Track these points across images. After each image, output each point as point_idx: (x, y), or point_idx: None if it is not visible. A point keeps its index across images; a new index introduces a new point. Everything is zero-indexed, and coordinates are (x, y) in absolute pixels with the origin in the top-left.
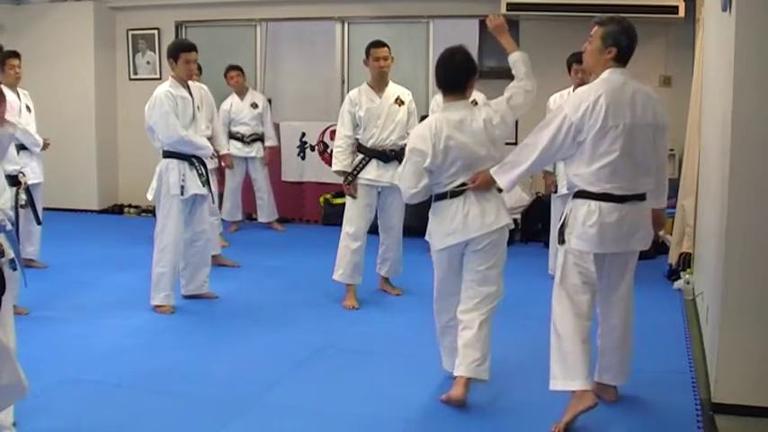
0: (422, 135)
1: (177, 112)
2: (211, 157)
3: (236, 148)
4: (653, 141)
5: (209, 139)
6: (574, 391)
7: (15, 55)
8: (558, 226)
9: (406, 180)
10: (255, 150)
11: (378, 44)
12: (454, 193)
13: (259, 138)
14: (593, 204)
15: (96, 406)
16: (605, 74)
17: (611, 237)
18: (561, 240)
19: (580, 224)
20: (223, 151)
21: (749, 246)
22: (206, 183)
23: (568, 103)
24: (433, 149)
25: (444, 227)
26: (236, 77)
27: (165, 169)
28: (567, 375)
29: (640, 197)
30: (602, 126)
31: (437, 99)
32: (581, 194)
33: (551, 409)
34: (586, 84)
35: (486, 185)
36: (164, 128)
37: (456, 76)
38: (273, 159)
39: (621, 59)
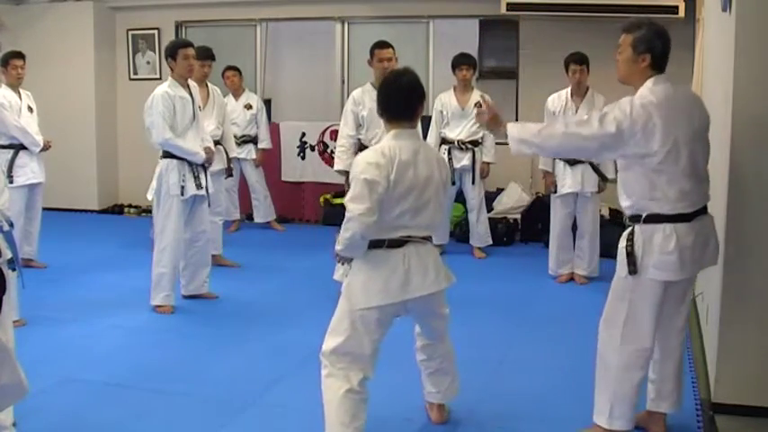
0: (375, 162)
1: (174, 113)
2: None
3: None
4: (707, 145)
5: (219, 140)
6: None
7: (19, 55)
8: (626, 254)
9: (358, 201)
10: (246, 152)
11: (382, 45)
12: (393, 243)
13: (251, 140)
14: (668, 228)
15: (96, 406)
16: (649, 84)
17: (689, 260)
18: (633, 270)
19: (657, 252)
20: (232, 155)
21: (749, 246)
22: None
23: (631, 113)
24: (387, 181)
25: (380, 282)
26: (231, 77)
27: (165, 170)
28: (613, 414)
29: (705, 209)
30: (671, 144)
31: (441, 98)
32: (653, 219)
33: (550, 408)
34: (584, 84)
35: (494, 123)
36: (155, 129)
37: (404, 100)
38: (268, 160)
39: (659, 66)
